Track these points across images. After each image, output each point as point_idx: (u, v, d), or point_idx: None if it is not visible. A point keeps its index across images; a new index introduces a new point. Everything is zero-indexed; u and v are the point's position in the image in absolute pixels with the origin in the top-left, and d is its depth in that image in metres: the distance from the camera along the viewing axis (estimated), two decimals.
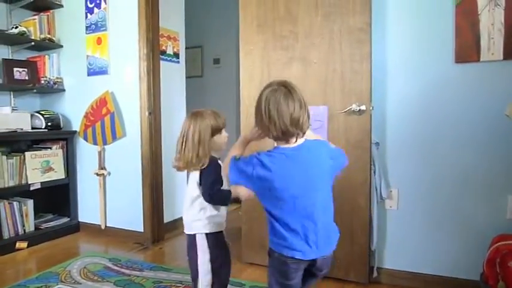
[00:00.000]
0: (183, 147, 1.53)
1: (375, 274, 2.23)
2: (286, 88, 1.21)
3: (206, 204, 1.54)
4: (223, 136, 1.59)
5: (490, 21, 1.96)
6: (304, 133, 1.25)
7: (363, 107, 2.11)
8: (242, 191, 1.43)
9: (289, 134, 1.21)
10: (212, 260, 1.55)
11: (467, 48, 2.01)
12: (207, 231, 1.55)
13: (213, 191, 1.51)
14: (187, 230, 1.60)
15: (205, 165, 1.52)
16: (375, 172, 2.18)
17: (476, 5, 1.98)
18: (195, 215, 1.56)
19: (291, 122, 1.18)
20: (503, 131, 1.92)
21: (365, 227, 2.17)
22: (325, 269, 1.35)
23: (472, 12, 1.99)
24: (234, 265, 2.03)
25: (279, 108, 1.18)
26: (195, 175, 1.55)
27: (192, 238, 1.58)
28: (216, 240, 1.57)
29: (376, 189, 2.19)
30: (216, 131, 1.55)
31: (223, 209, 1.60)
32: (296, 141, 1.24)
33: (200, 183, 1.54)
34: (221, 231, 1.61)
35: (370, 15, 2.10)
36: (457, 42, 2.03)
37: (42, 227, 3.08)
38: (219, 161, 1.55)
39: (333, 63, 2.20)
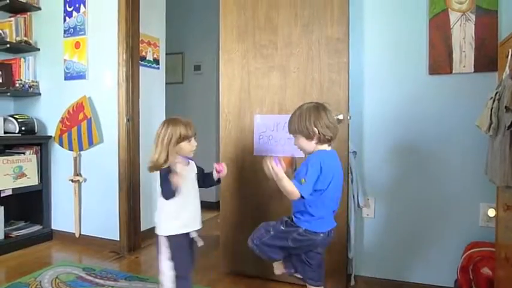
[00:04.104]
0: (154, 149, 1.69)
1: (353, 282, 2.24)
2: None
3: (163, 204, 1.68)
4: (191, 144, 1.72)
5: (462, 35, 2.03)
6: None
7: (341, 116, 2.14)
8: None
9: None
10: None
11: (440, 61, 2.08)
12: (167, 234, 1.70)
13: (162, 187, 1.65)
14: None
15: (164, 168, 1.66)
16: (352, 181, 2.21)
17: (449, 19, 2.05)
18: (156, 216, 1.75)
19: None
20: (474, 140, 1.98)
21: (342, 235, 2.18)
22: None
23: (444, 27, 2.06)
24: (211, 275, 1.97)
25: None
26: None
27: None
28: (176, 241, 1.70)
29: (354, 198, 2.22)
30: (184, 138, 1.68)
31: (188, 211, 1.71)
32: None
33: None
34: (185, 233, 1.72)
35: (348, 26, 2.14)
36: (430, 54, 2.10)
37: (12, 235, 2.97)
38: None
39: (311, 72, 2.23)
